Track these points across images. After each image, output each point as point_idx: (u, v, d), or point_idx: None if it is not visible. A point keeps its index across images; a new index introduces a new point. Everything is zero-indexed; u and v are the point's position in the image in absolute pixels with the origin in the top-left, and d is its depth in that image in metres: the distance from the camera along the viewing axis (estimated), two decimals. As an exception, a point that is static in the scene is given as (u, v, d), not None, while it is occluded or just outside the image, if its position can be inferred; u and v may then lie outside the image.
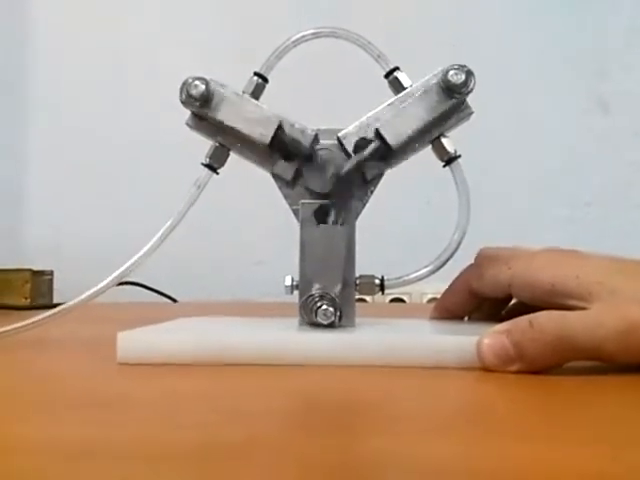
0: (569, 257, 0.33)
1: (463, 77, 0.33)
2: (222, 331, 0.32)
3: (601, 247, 1.09)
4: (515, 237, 1.15)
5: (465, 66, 0.34)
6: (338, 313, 0.32)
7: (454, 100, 0.34)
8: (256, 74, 0.37)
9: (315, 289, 0.33)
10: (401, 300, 1.08)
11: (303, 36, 0.37)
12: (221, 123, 0.34)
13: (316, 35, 0.37)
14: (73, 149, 1.13)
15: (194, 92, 0.33)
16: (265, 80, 0.37)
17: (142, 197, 1.11)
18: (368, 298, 1.08)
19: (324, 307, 0.31)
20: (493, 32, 1.11)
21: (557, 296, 0.31)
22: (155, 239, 0.37)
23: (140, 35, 1.15)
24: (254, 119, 0.34)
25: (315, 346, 0.29)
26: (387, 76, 0.36)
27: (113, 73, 1.14)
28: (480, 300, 0.38)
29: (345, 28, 0.37)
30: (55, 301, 0.91)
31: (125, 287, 0.96)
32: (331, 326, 0.32)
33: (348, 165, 0.34)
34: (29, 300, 0.82)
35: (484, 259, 0.38)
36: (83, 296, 0.36)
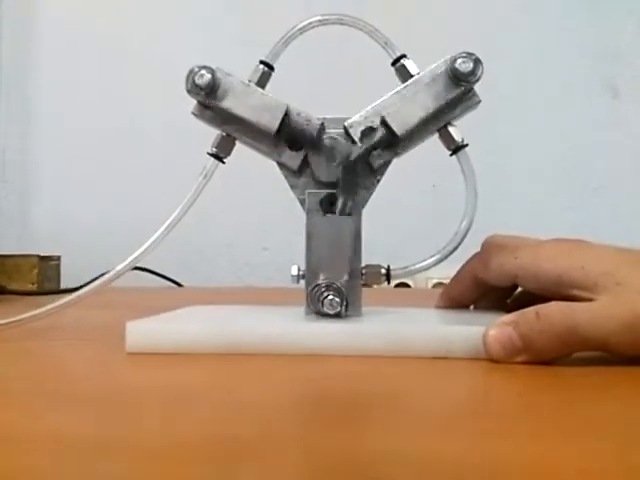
0: (575, 248, 0.33)
1: (471, 65, 0.32)
2: (229, 320, 0.32)
3: (609, 233, 1.10)
4: (521, 222, 1.16)
5: (473, 54, 0.33)
6: (344, 303, 0.32)
7: (461, 88, 0.34)
8: (262, 62, 0.36)
9: (321, 279, 0.33)
10: (406, 285, 1.08)
11: (309, 23, 0.36)
12: (227, 112, 0.34)
13: (322, 22, 0.37)
14: (79, 135, 1.12)
15: (200, 81, 0.33)
16: (271, 68, 0.36)
17: (148, 183, 1.11)
18: (373, 283, 1.08)
19: (330, 297, 0.32)
20: (502, 14, 1.09)
21: (563, 287, 0.31)
22: (162, 229, 0.37)
23: (143, 21, 1.14)
24: (261, 107, 0.34)
25: (322, 336, 0.29)
26: (394, 64, 0.36)
27: (119, 59, 1.13)
28: (486, 289, 0.38)
29: (352, 15, 0.36)
30: (62, 285, 0.92)
31: (131, 272, 0.97)
32: (338, 316, 0.32)
33: (354, 153, 0.34)
34: (36, 285, 0.82)
35: (490, 248, 0.38)
36: (95, 284, 0.36)
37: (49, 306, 0.35)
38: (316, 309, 0.32)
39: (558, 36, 1.09)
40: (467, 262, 0.38)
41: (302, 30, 0.37)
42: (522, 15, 1.09)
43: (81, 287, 0.90)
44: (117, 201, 1.11)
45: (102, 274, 0.97)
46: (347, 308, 0.33)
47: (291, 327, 0.30)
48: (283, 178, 0.36)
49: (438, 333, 0.29)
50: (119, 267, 0.37)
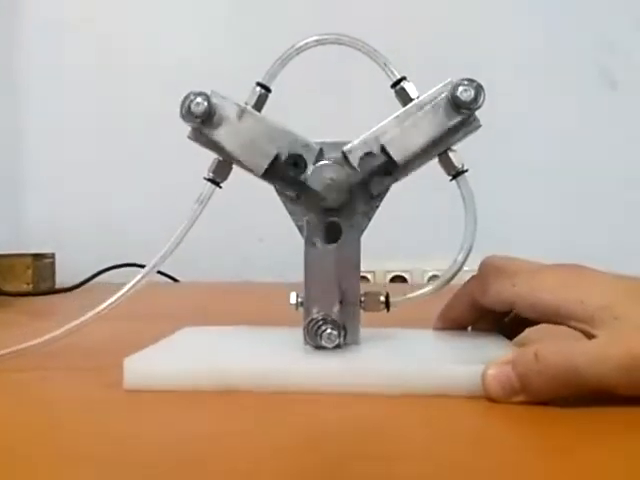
0: (574, 278, 0.32)
1: (472, 94, 0.32)
2: (226, 355, 0.31)
3: (606, 226, 1.09)
4: (519, 217, 1.15)
5: (474, 81, 0.32)
6: (343, 334, 0.32)
7: (462, 116, 0.33)
8: (259, 84, 0.36)
9: (315, 312, 0.33)
10: (402, 278, 1.08)
11: (306, 43, 0.36)
12: (219, 144, 0.34)
13: (320, 42, 0.36)
14: (74, 130, 1.11)
15: (196, 110, 0.32)
16: (268, 90, 0.36)
17: (142, 179, 1.10)
18: (370, 277, 1.08)
19: (328, 331, 0.31)
20: (499, 7, 1.07)
21: (561, 318, 0.31)
22: (158, 257, 0.36)
23: (141, 18, 1.12)
24: (250, 147, 0.33)
25: (320, 375, 0.29)
26: (394, 86, 0.35)
27: (114, 56, 1.11)
28: (483, 311, 0.38)
29: (350, 35, 0.36)
30: (57, 281, 0.91)
31: (127, 268, 0.97)
32: (336, 346, 0.32)
33: (353, 180, 0.34)
34: (31, 286, 0.82)
35: (488, 272, 0.38)
36: (112, 299, 0.35)
37: (66, 327, 0.35)
38: (314, 343, 0.32)
39: (555, 28, 1.07)
40: (465, 285, 0.38)
41: (299, 50, 0.36)
42: (519, 7, 1.07)
43: (76, 287, 0.89)
44: (113, 198, 1.10)
45: (99, 272, 0.96)
46: (345, 337, 0.33)
47: (288, 364, 0.30)
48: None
49: (437, 373, 0.29)
50: (119, 293, 0.36)
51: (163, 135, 1.09)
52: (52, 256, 0.91)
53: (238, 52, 1.09)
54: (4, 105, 1.13)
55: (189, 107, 0.33)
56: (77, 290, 0.85)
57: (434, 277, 1.08)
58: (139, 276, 0.35)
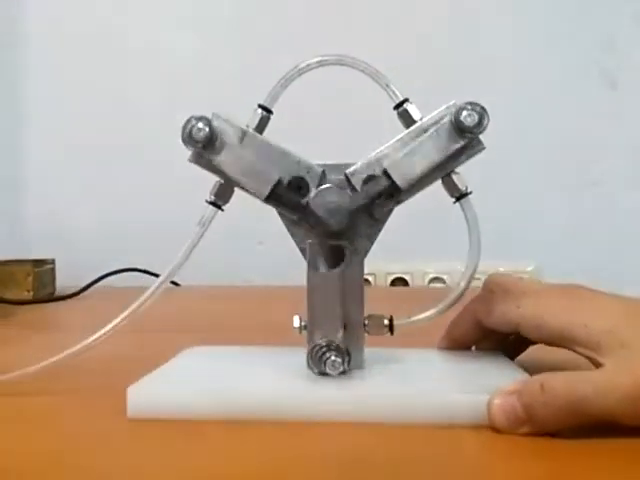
0: (578, 301, 0.32)
1: (476, 119, 0.31)
2: (231, 385, 0.31)
3: (607, 228, 1.08)
4: (517, 216, 1.14)
5: (478, 105, 0.32)
6: (347, 360, 0.32)
7: (466, 140, 0.33)
8: (260, 106, 0.35)
9: (321, 337, 0.33)
10: (403, 279, 1.08)
11: (308, 65, 0.35)
12: (220, 169, 0.33)
13: (322, 63, 0.35)
14: (72, 134, 1.10)
15: (197, 136, 0.32)
16: (270, 112, 0.35)
17: (143, 182, 1.10)
18: (371, 279, 1.08)
19: (332, 358, 0.31)
20: (499, 5, 1.07)
21: (566, 342, 0.31)
22: (162, 278, 0.36)
23: (141, 15, 1.11)
24: (251, 173, 0.33)
25: (324, 405, 0.29)
26: (397, 107, 0.35)
27: (114, 57, 1.10)
28: (487, 331, 0.38)
29: (352, 56, 0.35)
30: (57, 285, 0.90)
31: (129, 273, 0.97)
32: (340, 373, 0.32)
33: (356, 203, 0.33)
34: (32, 293, 0.82)
35: (493, 292, 0.38)
36: (125, 313, 0.35)
37: (79, 345, 0.34)
38: (318, 369, 0.32)
39: (554, 27, 1.06)
40: (469, 304, 0.38)
41: (301, 71, 0.35)
42: (518, 6, 1.07)
43: (76, 293, 0.89)
44: (113, 201, 1.10)
45: (100, 277, 0.95)
46: (349, 362, 0.33)
47: (292, 394, 0.30)
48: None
49: (442, 402, 0.29)
50: (125, 313, 0.36)
51: (166, 138, 1.09)
52: (52, 262, 0.90)
53: (237, 52, 1.08)
54: (4, 107, 1.12)
55: (190, 132, 0.32)
56: (78, 297, 0.85)
57: (435, 279, 1.08)
58: (146, 294, 0.35)
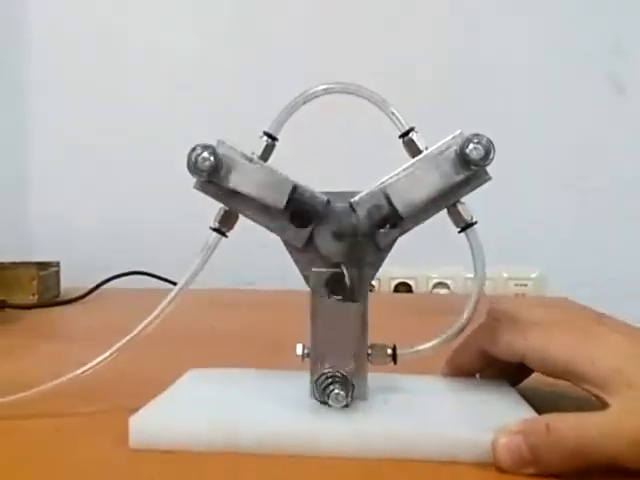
0: (586, 336, 0.32)
1: (482, 153, 0.31)
2: (233, 417, 0.31)
3: (610, 233, 1.07)
4: (521, 220, 1.13)
5: (484, 137, 0.32)
6: (351, 392, 0.32)
7: (471, 172, 0.32)
8: (265, 134, 0.35)
9: (326, 367, 0.33)
10: (407, 285, 1.08)
11: (314, 92, 0.35)
12: (233, 190, 0.33)
13: (327, 91, 0.35)
14: (75, 134, 1.10)
15: (202, 166, 0.32)
16: (275, 139, 0.35)
17: (146, 182, 1.10)
18: (375, 283, 1.08)
19: (336, 391, 0.31)
20: (505, 7, 1.06)
21: (572, 377, 0.31)
22: (165, 302, 0.36)
23: (141, 14, 1.11)
24: (267, 184, 0.33)
25: (325, 439, 0.29)
26: (402, 136, 0.35)
27: (115, 57, 1.10)
28: (492, 360, 0.37)
29: (358, 84, 0.35)
30: (62, 287, 0.91)
31: (133, 276, 0.97)
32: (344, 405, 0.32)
33: (361, 230, 0.33)
34: (37, 297, 0.82)
35: (499, 320, 0.38)
36: (140, 326, 0.35)
37: (98, 359, 0.35)
38: (321, 399, 0.32)
39: (561, 29, 1.05)
40: (474, 333, 0.38)
41: (306, 99, 0.35)
42: (525, 7, 1.06)
43: (82, 297, 0.89)
44: (116, 201, 1.10)
45: (104, 281, 0.95)
46: (353, 393, 0.33)
47: (294, 427, 0.30)
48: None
49: (446, 439, 0.29)
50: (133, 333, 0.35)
51: (170, 138, 1.09)
52: (57, 265, 0.91)
53: (238, 50, 1.08)
54: (7, 107, 1.12)
55: (196, 162, 0.32)
56: (83, 300, 0.85)
57: (439, 284, 1.08)
58: (147, 320, 0.35)
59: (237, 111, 1.04)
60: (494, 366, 0.38)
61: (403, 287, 1.08)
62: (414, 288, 1.07)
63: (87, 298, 0.86)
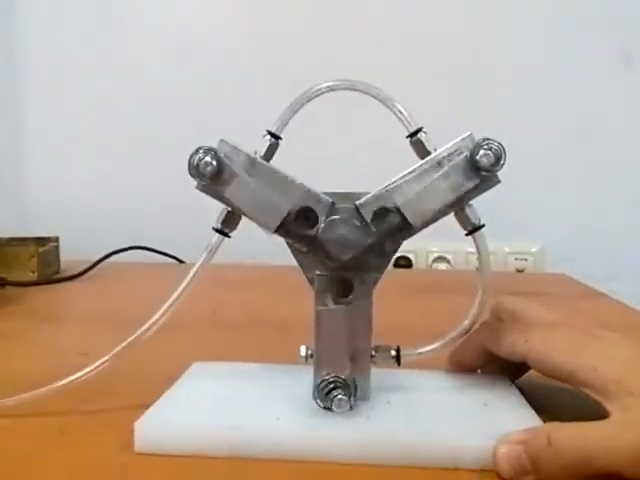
0: (588, 340, 0.32)
1: (492, 159, 0.30)
2: (237, 421, 0.32)
3: (620, 214, 1.07)
4: (530, 200, 1.13)
5: (494, 142, 0.31)
6: (353, 396, 0.32)
7: (481, 178, 0.32)
8: (269, 133, 0.34)
9: (329, 372, 0.33)
10: (407, 259, 1.08)
11: (318, 89, 0.34)
12: (229, 201, 0.33)
13: (332, 88, 0.34)
14: (73, 104, 1.08)
15: (204, 170, 0.31)
16: (278, 138, 0.34)
17: (145, 153, 1.08)
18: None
19: (339, 397, 0.31)
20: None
21: (573, 382, 0.31)
22: (168, 303, 0.36)
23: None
24: (260, 205, 0.32)
25: (327, 445, 0.30)
26: (410, 136, 0.34)
27: (113, 26, 1.07)
28: (494, 357, 0.38)
29: (364, 81, 0.34)
30: (61, 260, 0.90)
31: (136, 250, 0.96)
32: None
33: (368, 240, 0.33)
34: (36, 274, 0.82)
35: (501, 320, 0.38)
36: (146, 325, 0.35)
37: (98, 362, 0.35)
38: (324, 404, 0.32)
39: (569, 3, 1.02)
40: (477, 330, 0.38)
41: (310, 96, 0.34)
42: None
43: (82, 273, 0.88)
44: (115, 177, 1.09)
45: (104, 257, 0.95)
46: (355, 396, 0.33)
47: (296, 432, 0.30)
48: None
49: (448, 446, 0.29)
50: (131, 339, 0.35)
51: (168, 108, 1.07)
52: (56, 240, 0.90)
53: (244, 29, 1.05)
54: (5, 86, 1.10)
55: (197, 166, 0.32)
56: (83, 276, 0.85)
57: (439, 259, 1.08)
58: (151, 320, 0.35)
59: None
60: (495, 362, 0.38)
61: (403, 260, 1.08)
62: (414, 262, 1.07)
63: (88, 274, 0.86)
